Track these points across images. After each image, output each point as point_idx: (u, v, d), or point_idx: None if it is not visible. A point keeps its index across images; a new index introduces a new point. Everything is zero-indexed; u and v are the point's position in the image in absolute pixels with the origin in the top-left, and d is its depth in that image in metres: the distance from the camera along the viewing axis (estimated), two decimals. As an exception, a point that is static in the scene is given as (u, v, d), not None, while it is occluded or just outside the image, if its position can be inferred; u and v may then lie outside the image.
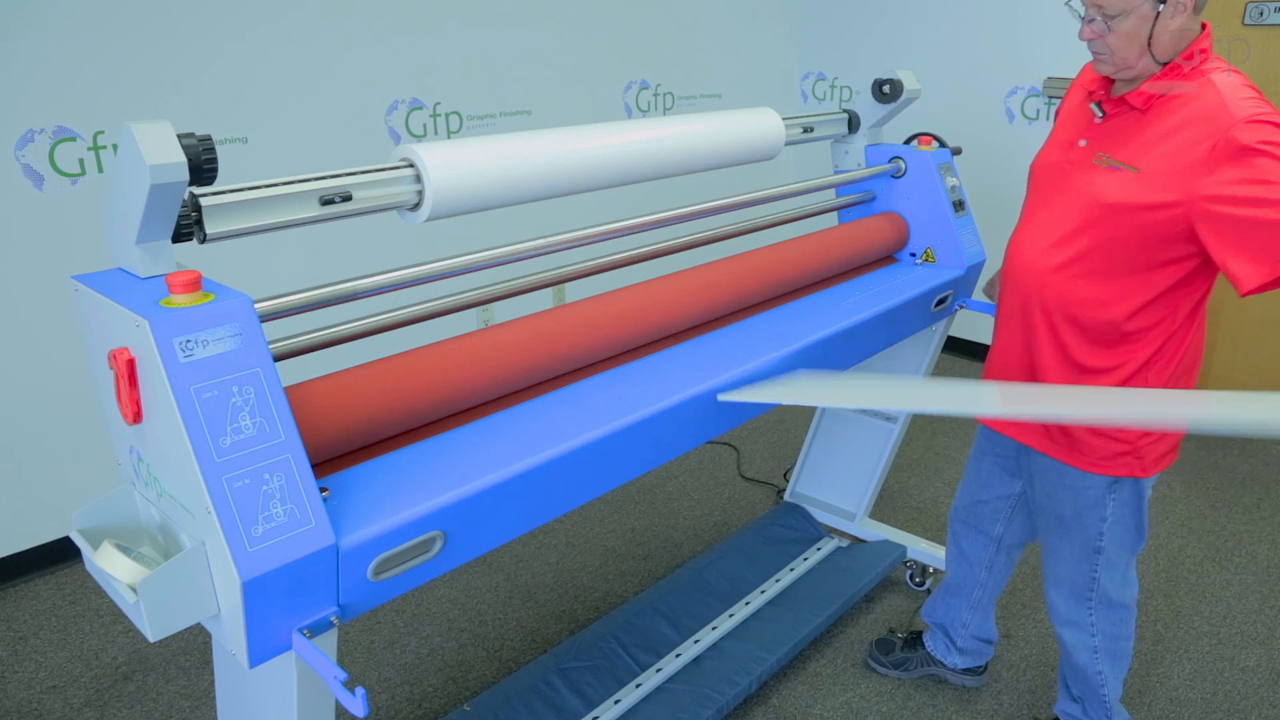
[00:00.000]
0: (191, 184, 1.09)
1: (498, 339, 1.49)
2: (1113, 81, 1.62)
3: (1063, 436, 1.75)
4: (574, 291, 3.33)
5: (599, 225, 1.68)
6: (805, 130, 2.12)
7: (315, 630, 1.14)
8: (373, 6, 3.12)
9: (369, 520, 1.17)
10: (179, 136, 1.07)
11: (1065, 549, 1.85)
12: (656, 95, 4.12)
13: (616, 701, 2.08)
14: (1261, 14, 3.43)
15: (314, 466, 1.22)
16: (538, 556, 2.88)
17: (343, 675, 1.07)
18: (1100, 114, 1.61)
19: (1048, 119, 3.98)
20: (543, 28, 3.61)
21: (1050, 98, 3.93)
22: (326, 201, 1.27)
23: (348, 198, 1.30)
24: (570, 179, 1.54)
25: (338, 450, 1.28)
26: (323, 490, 1.20)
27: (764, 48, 4.61)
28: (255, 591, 1.05)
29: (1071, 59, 3.82)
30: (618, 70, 3.95)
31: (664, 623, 2.33)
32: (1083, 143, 1.63)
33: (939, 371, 4.30)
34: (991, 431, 1.98)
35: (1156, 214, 1.50)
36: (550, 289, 1.63)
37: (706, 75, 4.33)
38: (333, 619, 1.16)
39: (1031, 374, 1.75)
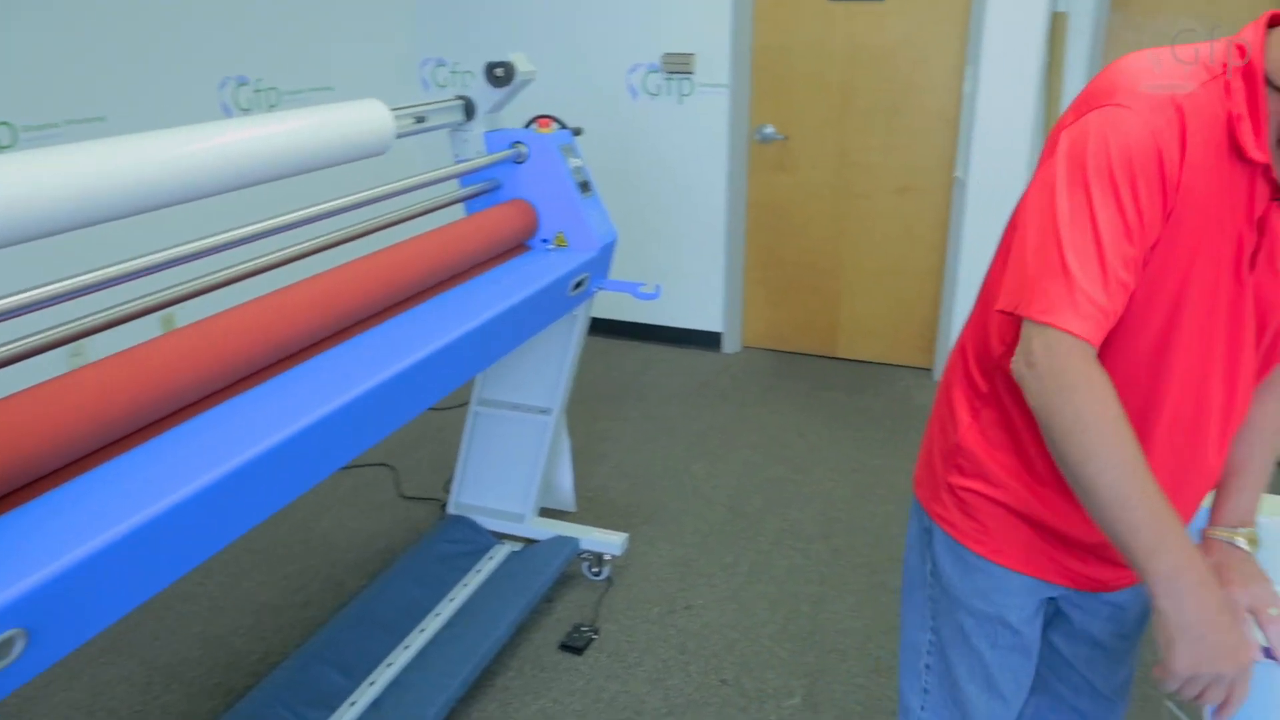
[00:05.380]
0: None
1: (65, 389, 1.23)
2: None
3: None
4: (185, 315, 2.93)
5: (200, 239, 1.46)
6: (418, 120, 2.02)
7: None
8: None
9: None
10: None
11: (1133, 659, 1.46)
12: (258, 92, 3.74)
13: (286, 775, 1.84)
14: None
15: None
16: (177, 630, 2.48)
17: None
18: None
19: (668, 94, 4.12)
20: (114, 21, 3.11)
21: (670, 72, 4.06)
22: None
23: None
24: (142, 195, 1.32)
25: None
26: None
27: (377, 34, 4.37)
28: None
29: (687, 35, 3.99)
30: (210, 65, 3.52)
31: (333, 671, 2.10)
32: None
33: (590, 352, 4.36)
34: (1024, 617, 1.31)
35: None
36: (157, 314, 1.40)
37: (315, 66, 4.01)
38: None
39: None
